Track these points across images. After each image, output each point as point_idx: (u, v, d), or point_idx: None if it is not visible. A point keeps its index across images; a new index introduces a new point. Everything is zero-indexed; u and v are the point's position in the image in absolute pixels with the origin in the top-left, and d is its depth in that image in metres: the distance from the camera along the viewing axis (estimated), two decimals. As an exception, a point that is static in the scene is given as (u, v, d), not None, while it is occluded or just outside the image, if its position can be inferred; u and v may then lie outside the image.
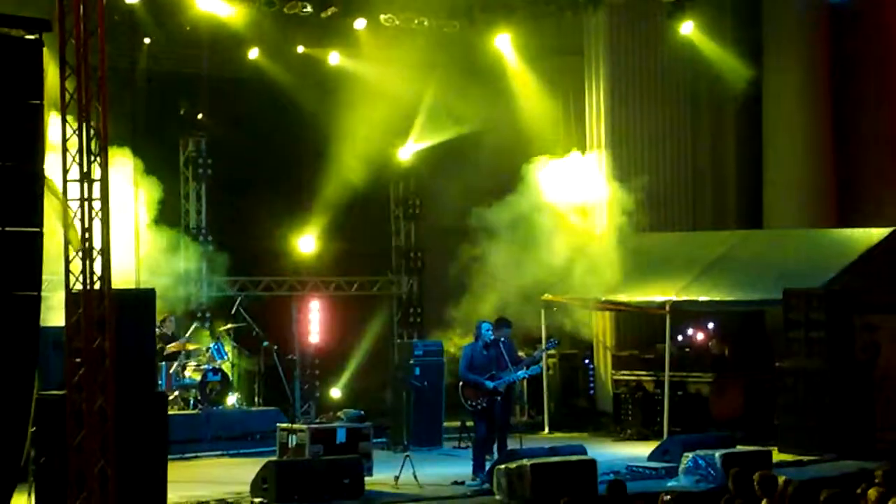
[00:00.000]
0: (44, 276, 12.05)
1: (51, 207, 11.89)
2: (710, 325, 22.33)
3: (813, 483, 14.84)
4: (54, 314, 13.64)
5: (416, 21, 22.25)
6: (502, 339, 16.97)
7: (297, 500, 14.79)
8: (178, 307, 21.80)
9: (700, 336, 22.34)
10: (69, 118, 12.05)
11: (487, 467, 16.10)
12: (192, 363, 20.69)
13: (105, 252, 12.05)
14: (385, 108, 22.78)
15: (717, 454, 15.89)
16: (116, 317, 12.19)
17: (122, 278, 17.79)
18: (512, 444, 17.04)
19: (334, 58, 23.49)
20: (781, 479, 11.34)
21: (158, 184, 21.05)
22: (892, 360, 19.65)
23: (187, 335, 21.22)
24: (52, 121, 12.29)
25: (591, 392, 23.23)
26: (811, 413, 18.54)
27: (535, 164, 21.95)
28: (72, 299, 12.08)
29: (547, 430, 21.81)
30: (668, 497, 11.05)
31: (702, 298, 20.65)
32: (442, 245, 25.32)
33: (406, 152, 24.98)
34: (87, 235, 11.98)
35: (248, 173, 23.33)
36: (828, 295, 19.01)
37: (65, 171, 12.01)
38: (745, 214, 24.21)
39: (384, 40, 22.66)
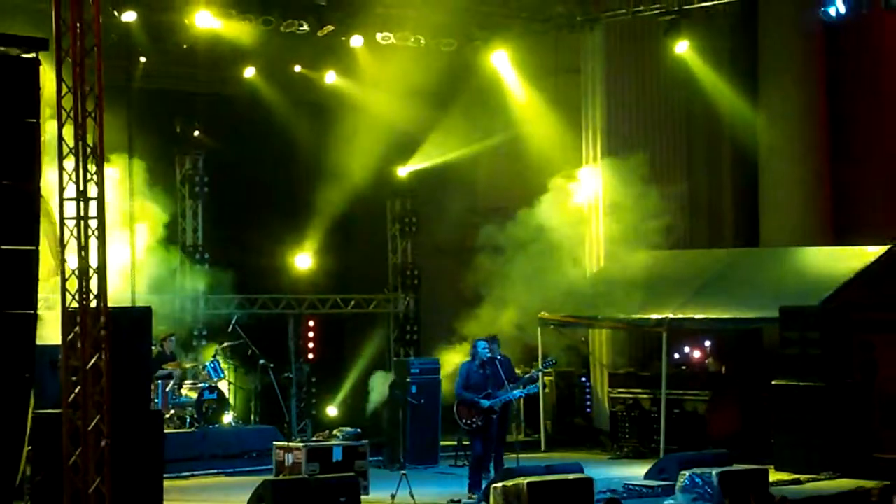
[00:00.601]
0: (39, 294, 12.05)
1: (43, 226, 11.89)
2: (707, 343, 22.33)
3: (809, 502, 14.87)
4: (50, 332, 13.62)
5: (412, 39, 22.29)
6: (499, 357, 16.96)
7: (294, 519, 14.76)
8: (175, 325, 21.80)
9: (697, 354, 22.34)
10: (66, 136, 12.05)
11: (484, 486, 16.08)
12: (189, 381, 20.67)
13: (101, 270, 12.05)
14: (382, 127, 22.86)
15: (714, 472, 15.85)
16: (112, 335, 12.17)
17: (118, 296, 17.83)
18: (508, 462, 17.03)
19: (331, 77, 23.53)
20: (778, 498, 11.35)
21: (159, 203, 21.12)
22: (889, 378, 19.66)
23: (187, 355, 21.27)
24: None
25: (588, 410, 23.20)
26: (808, 431, 18.52)
27: (545, 183, 22.18)
28: (68, 318, 12.07)
29: (543, 448, 21.78)
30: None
31: (698, 316, 20.67)
32: (439, 263, 25.38)
33: (403, 170, 25.04)
34: (83, 254, 11.98)
35: (244, 191, 23.37)
36: (824, 313, 19.02)
37: (61, 190, 12.03)
38: (741, 232, 24.22)
39: (381, 59, 22.70)
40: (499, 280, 22.01)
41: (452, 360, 20.32)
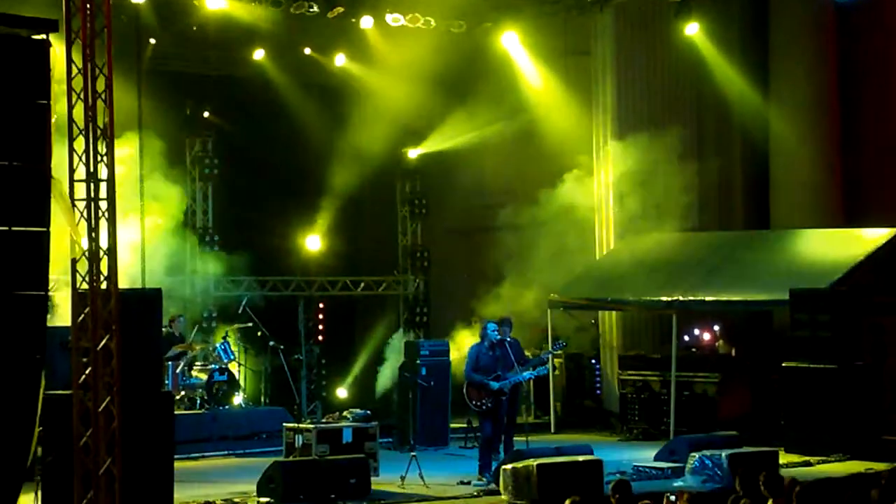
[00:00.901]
0: (50, 276, 12.08)
1: (57, 208, 11.90)
2: (717, 326, 22.33)
3: (819, 483, 14.85)
4: (61, 313, 13.66)
5: (422, 21, 22.25)
6: (508, 338, 16.96)
7: (304, 500, 14.80)
8: (185, 307, 21.84)
9: (707, 336, 22.35)
10: (76, 118, 12.06)
11: (494, 467, 16.10)
12: (199, 363, 20.70)
13: (112, 252, 12.07)
14: (391, 109, 22.85)
15: (724, 454, 15.88)
16: (123, 317, 12.19)
17: (128, 278, 17.83)
18: (518, 444, 17.04)
19: (340, 59, 23.52)
20: (788, 480, 11.34)
21: (169, 185, 21.15)
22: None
23: (193, 335, 21.29)
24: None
25: (598, 392, 23.22)
26: (818, 413, 18.52)
27: (554, 165, 22.22)
28: (78, 299, 12.09)
29: (553, 429, 21.80)
30: (685, 496, 11.00)
31: (708, 298, 20.66)
32: (449, 244, 25.39)
33: (413, 152, 25.05)
34: (93, 235, 11.99)
35: (254, 173, 23.37)
36: (834, 295, 19.00)
37: (72, 171, 12.04)
38: (751, 214, 24.18)
39: (391, 41, 22.68)
40: (513, 262, 22.03)
41: (467, 340, 20.33)
